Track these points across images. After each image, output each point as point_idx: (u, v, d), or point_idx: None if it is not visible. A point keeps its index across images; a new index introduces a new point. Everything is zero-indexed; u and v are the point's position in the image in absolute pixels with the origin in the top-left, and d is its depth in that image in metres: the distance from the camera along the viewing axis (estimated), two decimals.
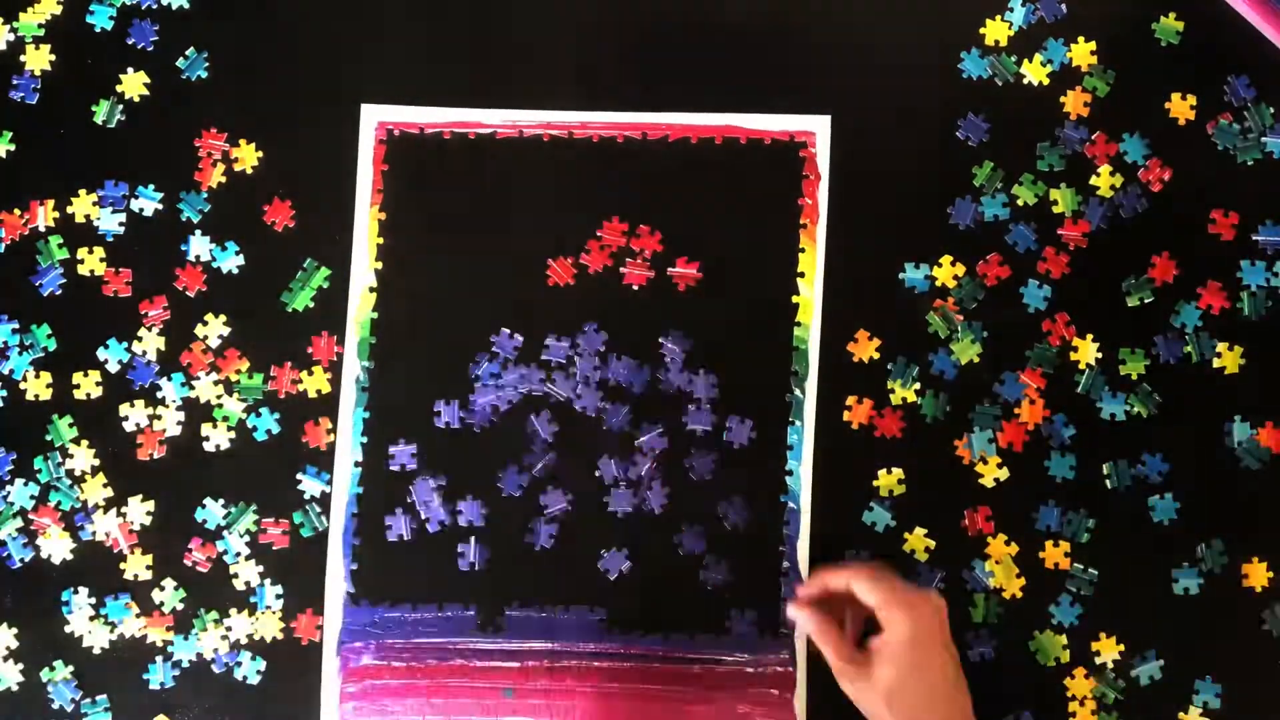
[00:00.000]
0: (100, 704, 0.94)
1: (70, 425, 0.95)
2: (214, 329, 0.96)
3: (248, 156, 0.96)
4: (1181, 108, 0.96)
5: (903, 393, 0.95)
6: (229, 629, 0.94)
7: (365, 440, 0.95)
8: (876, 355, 0.95)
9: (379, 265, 0.96)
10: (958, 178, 0.96)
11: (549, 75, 0.97)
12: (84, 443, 0.95)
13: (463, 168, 0.97)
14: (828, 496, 0.95)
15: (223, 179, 0.96)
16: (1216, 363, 0.95)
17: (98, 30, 0.97)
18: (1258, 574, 0.94)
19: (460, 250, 0.96)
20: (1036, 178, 0.96)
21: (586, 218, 0.96)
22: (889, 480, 0.95)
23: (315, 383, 0.95)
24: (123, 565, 0.94)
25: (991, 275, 0.96)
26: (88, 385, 0.95)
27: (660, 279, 0.96)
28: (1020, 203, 0.96)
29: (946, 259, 0.96)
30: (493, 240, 0.96)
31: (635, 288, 0.96)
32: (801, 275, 0.96)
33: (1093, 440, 0.95)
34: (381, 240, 0.96)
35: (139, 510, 0.94)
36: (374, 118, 0.97)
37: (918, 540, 0.94)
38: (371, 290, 0.96)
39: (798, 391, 0.95)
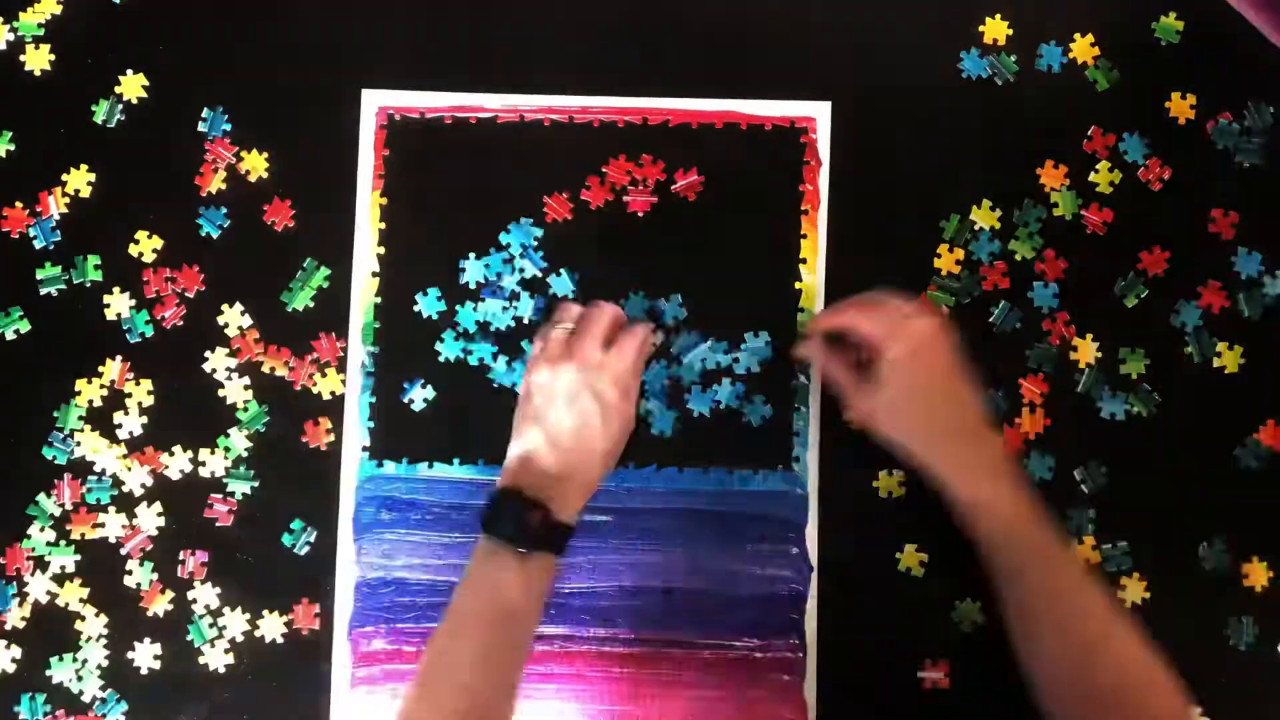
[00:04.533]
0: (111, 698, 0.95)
1: (80, 419, 0.95)
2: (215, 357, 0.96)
3: (256, 166, 0.96)
4: (1181, 107, 0.96)
5: None
6: (240, 624, 0.95)
7: (372, 425, 0.95)
8: None
9: (381, 250, 0.96)
10: (958, 160, 0.96)
11: (550, 60, 0.97)
12: (88, 428, 0.95)
13: (464, 152, 0.97)
14: (834, 484, 0.95)
15: (222, 185, 0.96)
16: (1217, 362, 0.95)
17: (117, 2, 0.97)
18: (1258, 574, 0.94)
19: (462, 234, 0.96)
20: (1036, 200, 0.96)
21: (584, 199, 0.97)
22: (889, 482, 0.95)
23: (330, 384, 0.96)
24: (125, 575, 0.95)
25: (990, 281, 0.96)
26: (91, 391, 0.95)
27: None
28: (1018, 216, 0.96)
29: (944, 248, 0.96)
30: (494, 224, 0.96)
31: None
32: (804, 261, 0.96)
33: (1093, 440, 0.95)
34: (384, 225, 0.96)
35: (149, 516, 0.95)
36: (375, 103, 0.97)
37: (910, 558, 0.95)
38: (375, 275, 0.96)
39: (802, 377, 0.95)
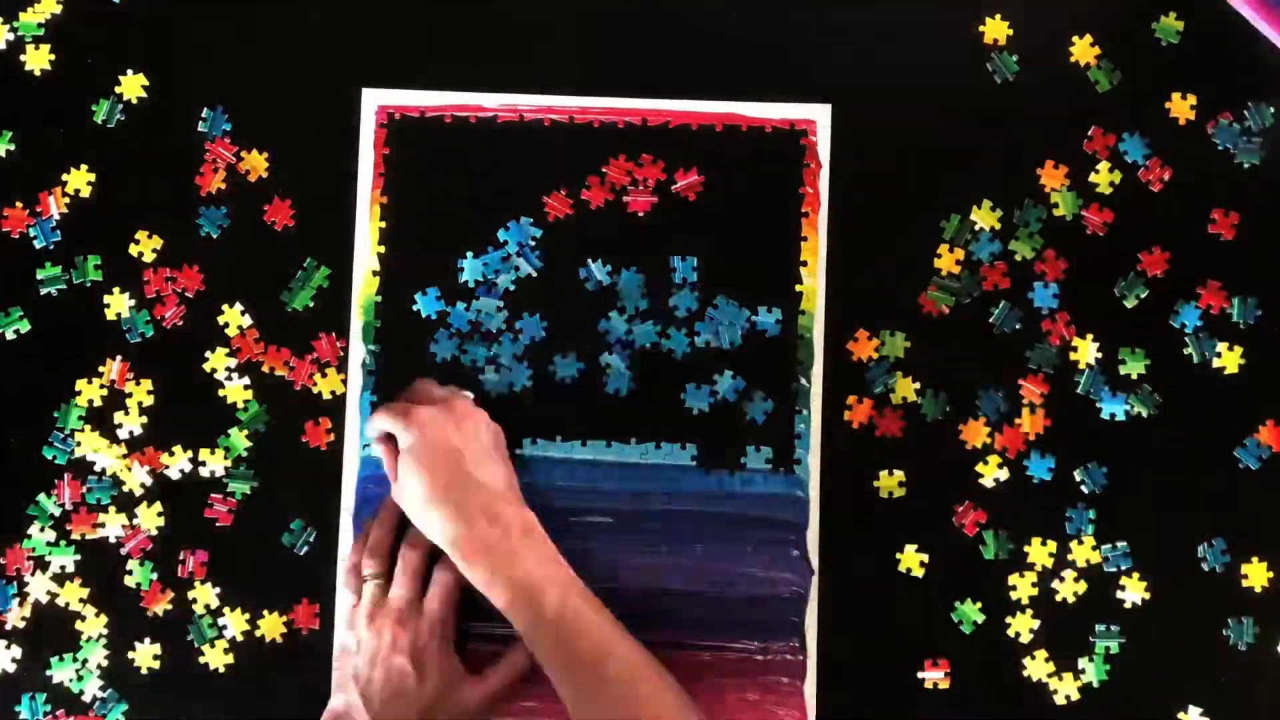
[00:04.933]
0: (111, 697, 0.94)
1: (80, 419, 0.95)
2: (217, 363, 0.96)
3: (256, 166, 0.96)
4: (1181, 107, 0.96)
5: (903, 392, 0.95)
6: (240, 624, 0.95)
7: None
8: (875, 356, 0.95)
9: (381, 249, 0.96)
10: (958, 160, 0.96)
11: (550, 60, 0.97)
12: (89, 429, 0.95)
13: (464, 151, 0.97)
14: (835, 485, 0.95)
15: (222, 185, 0.96)
16: (1217, 362, 0.95)
17: (118, 2, 0.97)
18: (1258, 574, 0.94)
19: (461, 233, 0.96)
20: (1036, 200, 0.96)
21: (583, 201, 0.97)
22: (889, 482, 0.95)
23: (330, 384, 0.96)
24: (126, 575, 0.95)
25: (990, 281, 0.96)
26: (91, 391, 0.95)
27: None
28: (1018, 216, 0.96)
29: (944, 248, 0.96)
30: (494, 222, 0.96)
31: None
32: (804, 264, 0.96)
33: (1093, 440, 0.95)
34: (384, 224, 0.96)
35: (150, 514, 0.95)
36: (374, 101, 0.97)
37: (911, 558, 0.95)
38: (375, 274, 0.96)
39: (803, 380, 0.95)
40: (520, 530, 0.87)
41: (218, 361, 0.95)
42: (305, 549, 0.95)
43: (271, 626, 0.95)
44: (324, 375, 0.96)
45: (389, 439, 0.90)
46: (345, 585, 0.91)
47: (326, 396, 0.96)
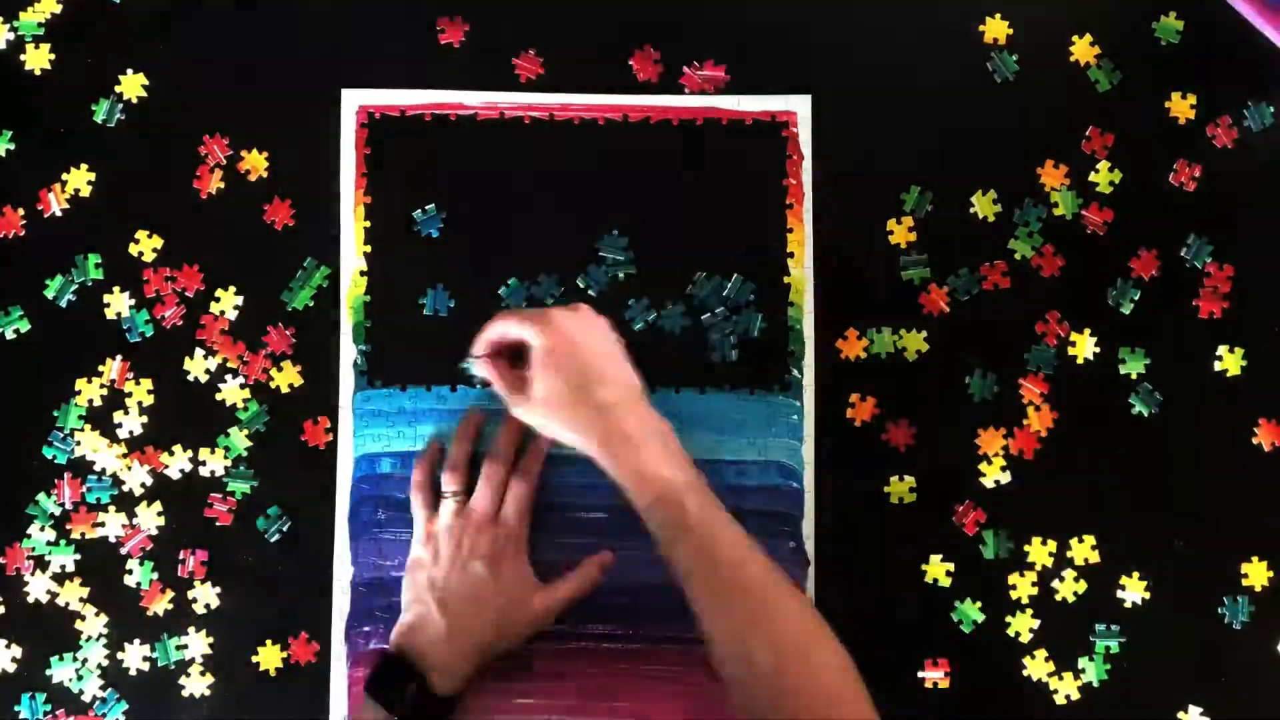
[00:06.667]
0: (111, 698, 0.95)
1: (80, 418, 0.95)
2: (209, 365, 0.96)
3: (256, 165, 0.96)
4: (1181, 107, 0.96)
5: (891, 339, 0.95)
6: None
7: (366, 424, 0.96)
8: (864, 355, 0.95)
9: (368, 249, 0.96)
10: (956, 158, 0.97)
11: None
12: (89, 428, 0.95)
13: (445, 150, 0.97)
14: (831, 481, 0.95)
15: (221, 184, 0.96)
16: (1218, 365, 0.95)
17: (118, 1, 0.97)
18: (1258, 574, 0.94)
19: (448, 230, 0.96)
20: (1036, 200, 0.96)
21: (565, 199, 0.97)
22: (900, 488, 0.95)
23: (287, 378, 0.96)
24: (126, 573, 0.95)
25: (991, 280, 0.96)
26: (91, 391, 0.95)
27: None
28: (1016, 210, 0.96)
29: (907, 220, 0.96)
30: (477, 220, 0.96)
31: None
32: (791, 255, 0.96)
33: (1094, 440, 0.95)
34: (369, 224, 0.96)
35: (150, 514, 0.95)
36: (355, 102, 0.97)
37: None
38: (363, 274, 0.96)
39: (795, 372, 0.95)
40: (656, 432, 0.87)
41: (216, 360, 0.95)
42: (278, 537, 0.95)
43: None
44: (280, 369, 0.96)
45: (498, 355, 0.90)
46: (415, 501, 0.92)
47: (284, 390, 0.95)
